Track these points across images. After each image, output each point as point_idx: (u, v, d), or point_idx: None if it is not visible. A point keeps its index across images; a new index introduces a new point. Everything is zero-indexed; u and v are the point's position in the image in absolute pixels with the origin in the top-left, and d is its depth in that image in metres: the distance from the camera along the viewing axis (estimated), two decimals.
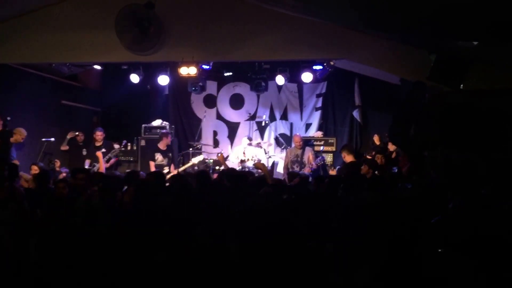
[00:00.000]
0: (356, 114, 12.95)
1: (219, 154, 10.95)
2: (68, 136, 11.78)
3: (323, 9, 8.74)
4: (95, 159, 11.10)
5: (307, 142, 12.16)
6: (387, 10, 7.58)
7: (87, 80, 13.74)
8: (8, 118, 9.88)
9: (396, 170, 8.49)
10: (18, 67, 11.16)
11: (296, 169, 10.97)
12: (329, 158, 12.16)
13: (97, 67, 12.19)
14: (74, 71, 12.28)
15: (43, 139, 11.07)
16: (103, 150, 11.35)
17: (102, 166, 10.94)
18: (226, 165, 10.15)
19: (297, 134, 11.99)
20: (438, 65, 8.32)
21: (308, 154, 11.31)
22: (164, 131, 12.06)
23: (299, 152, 11.35)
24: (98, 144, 11.53)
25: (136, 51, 9.93)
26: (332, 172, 11.10)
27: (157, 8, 9.38)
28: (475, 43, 7.56)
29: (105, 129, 12.03)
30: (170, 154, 11.55)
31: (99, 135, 11.62)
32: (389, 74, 10.11)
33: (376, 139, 11.11)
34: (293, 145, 12.07)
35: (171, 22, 9.93)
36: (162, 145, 11.62)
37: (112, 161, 11.47)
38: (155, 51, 10.01)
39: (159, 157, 11.49)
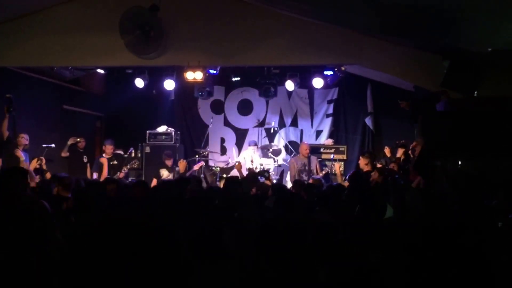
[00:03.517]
0: (368, 121, 13.03)
1: (237, 163, 11.18)
2: (69, 142, 11.86)
3: (333, 13, 8.89)
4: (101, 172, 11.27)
5: (317, 150, 12.27)
6: (400, 14, 7.73)
7: (90, 84, 13.87)
8: None
9: (397, 177, 8.58)
10: (19, 70, 11.28)
11: (305, 178, 11.05)
12: (340, 166, 12.22)
13: (101, 71, 12.34)
14: (77, 75, 12.40)
15: (44, 145, 11.15)
16: (115, 162, 11.52)
17: (105, 173, 11.10)
18: (242, 175, 10.37)
19: (305, 142, 12.05)
20: (452, 71, 8.43)
21: (315, 163, 11.40)
22: (166, 152, 11.99)
23: (305, 160, 11.41)
24: (107, 156, 11.66)
25: (138, 54, 10.10)
26: (346, 184, 11.13)
27: (162, 11, 9.52)
28: (489, 49, 7.69)
29: (108, 135, 12.15)
30: (177, 168, 11.62)
31: (109, 148, 11.73)
32: (402, 80, 10.22)
33: (387, 151, 11.18)
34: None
35: (177, 26, 10.06)
36: (168, 163, 11.75)
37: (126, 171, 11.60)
38: (160, 54, 10.13)
39: (164, 172, 11.59)
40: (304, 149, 11.49)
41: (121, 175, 11.18)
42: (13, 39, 10.39)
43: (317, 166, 11.33)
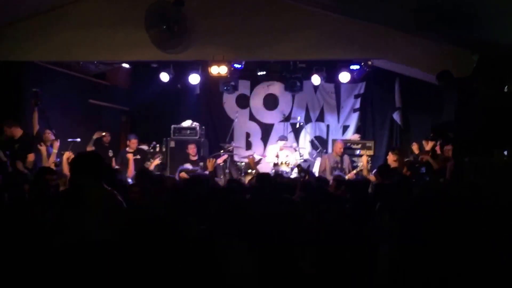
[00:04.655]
0: (396, 116, 12.89)
1: (250, 157, 11.19)
2: (94, 137, 11.92)
3: (359, 8, 8.83)
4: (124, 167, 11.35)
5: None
6: (428, 8, 7.64)
7: (115, 78, 14.00)
8: None
9: (424, 171, 8.49)
10: (45, 65, 11.46)
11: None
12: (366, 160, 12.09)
13: (126, 65, 12.44)
14: (102, 69, 12.53)
15: (69, 139, 11.25)
16: (138, 156, 11.60)
17: (131, 169, 11.19)
18: (256, 169, 10.35)
19: (340, 140, 11.83)
20: (481, 65, 8.31)
21: (348, 162, 11.25)
22: (190, 142, 12.11)
23: (338, 159, 11.28)
24: (130, 150, 11.76)
25: (163, 48, 10.16)
26: (371, 178, 11.04)
27: (187, 5, 9.58)
28: None
29: (133, 129, 12.21)
30: (202, 164, 11.64)
31: (134, 142, 11.83)
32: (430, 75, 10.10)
33: (415, 147, 11.00)
34: (329, 151, 12.13)
35: (202, 20, 10.08)
36: (191, 154, 11.77)
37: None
38: (184, 49, 10.18)
39: (188, 167, 11.62)
40: (338, 147, 11.27)
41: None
42: (40, 34, 10.51)
43: (349, 166, 11.19)
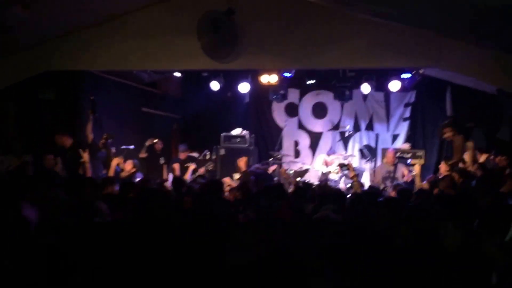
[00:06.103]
0: None
1: (282, 170, 11.33)
2: (147, 144, 12.18)
3: (411, 15, 8.73)
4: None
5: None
6: (481, 15, 7.52)
7: (167, 87, 14.22)
8: None
9: (474, 184, 8.17)
10: (100, 74, 11.76)
11: (388, 185, 10.69)
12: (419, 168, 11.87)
13: (178, 74, 12.61)
14: (154, 78, 12.72)
15: (123, 147, 11.48)
16: (189, 164, 11.76)
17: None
18: (295, 181, 10.37)
19: (391, 149, 11.67)
20: None
21: (402, 170, 11.05)
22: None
23: (391, 168, 11.11)
24: (182, 159, 11.98)
25: (214, 57, 10.25)
26: (425, 185, 10.81)
27: (237, 14, 9.64)
28: None
29: (184, 137, 12.35)
30: None
31: (182, 155, 12.13)
32: (484, 83, 9.90)
33: (466, 157, 10.73)
34: (378, 160, 12.00)
35: (252, 29, 10.11)
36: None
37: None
38: (235, 58, 10.23)
39: (236, 176, 11.65)
40: (390, 157, 11.17)
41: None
42: (95, 44, 10.73)
43: (405, 173, 10.96)
